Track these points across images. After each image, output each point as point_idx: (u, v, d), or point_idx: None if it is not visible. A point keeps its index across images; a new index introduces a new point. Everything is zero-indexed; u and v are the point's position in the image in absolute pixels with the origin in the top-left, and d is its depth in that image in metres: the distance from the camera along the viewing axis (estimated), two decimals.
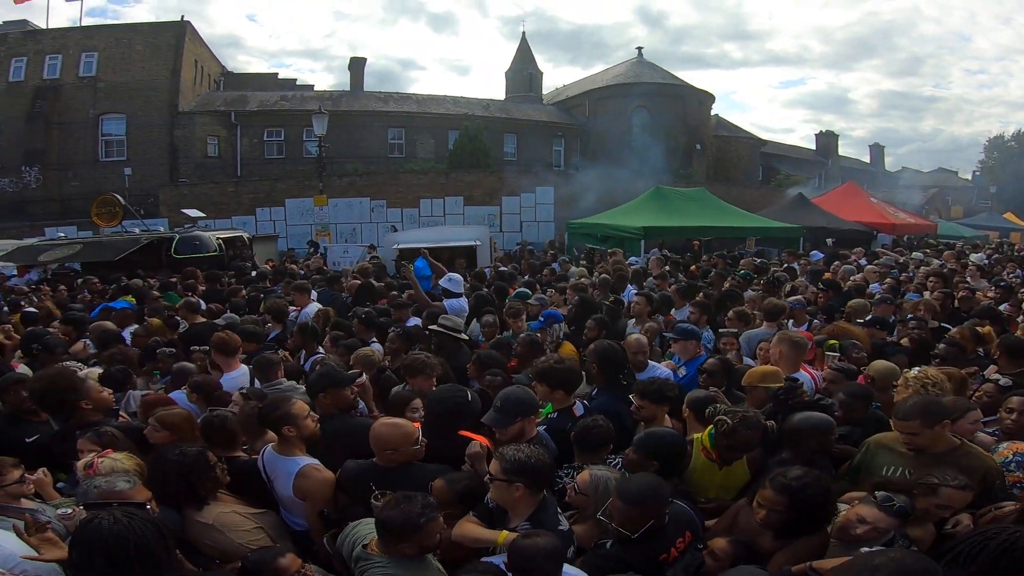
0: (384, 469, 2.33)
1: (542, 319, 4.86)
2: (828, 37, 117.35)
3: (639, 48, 30.97)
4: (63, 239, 11.78)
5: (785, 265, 9.26)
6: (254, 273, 9.33)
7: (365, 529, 2.03)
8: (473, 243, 10.79)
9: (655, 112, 26.33)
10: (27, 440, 2.80)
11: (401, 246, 10.60)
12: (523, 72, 31.41)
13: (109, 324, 5.05)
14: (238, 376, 3.72)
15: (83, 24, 24.34)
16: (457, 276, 6.04)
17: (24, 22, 24.47)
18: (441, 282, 5.93)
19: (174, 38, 23.04)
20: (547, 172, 21.34)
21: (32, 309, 6.14)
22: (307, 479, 2.35)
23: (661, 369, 3.81)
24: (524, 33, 32.96)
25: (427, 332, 4.48)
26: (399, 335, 4.43)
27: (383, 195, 18.32)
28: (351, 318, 5.10)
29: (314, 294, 6.40)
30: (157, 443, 2.57)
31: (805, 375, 3.50)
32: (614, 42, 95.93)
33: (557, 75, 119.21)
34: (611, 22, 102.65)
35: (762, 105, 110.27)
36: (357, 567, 1.95)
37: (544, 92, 32.84)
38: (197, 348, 4.19)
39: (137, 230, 11.85)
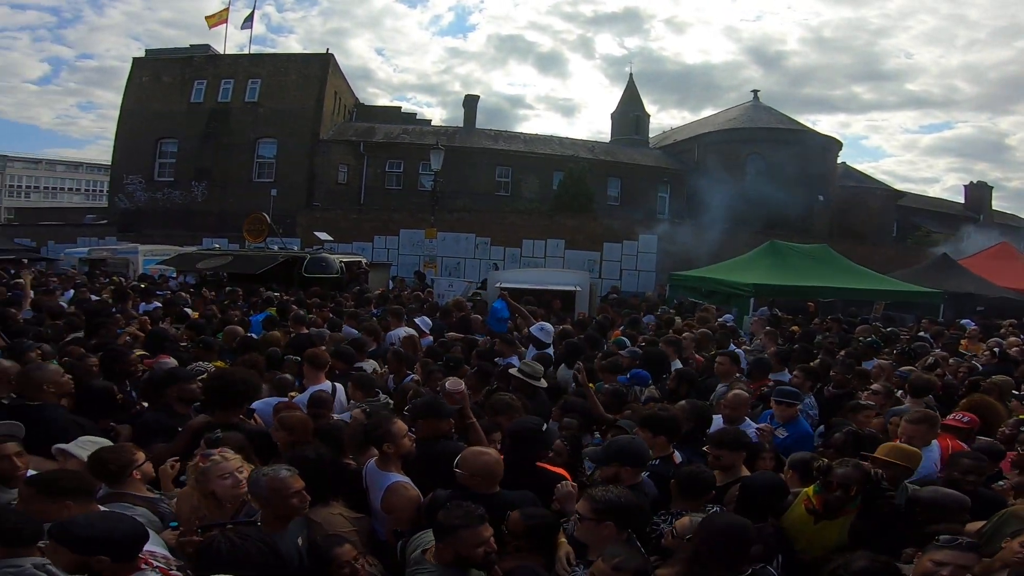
0: (471, 494, 2.39)
1: (626, 376, 4.72)
2: (979, 77, 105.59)
3: (754, 91, 29.88)
4: (217, 250, 13.55)
5: (920, 334, 8.28)
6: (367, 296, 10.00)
7: (428, 537, 2.17)
8: (573, 288, 10.77)
9: (771, 159, 25.01)
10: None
11: (502, 285, 10.90)
12: (629, 114, 31.28)
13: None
14: (321, 388, 4.03)
15: (251, 51, 27.47)
16: (548, 326, 6.00)
17: (207, 47, 27.66)
18: (531, 330, 5.93)
19: (320, 70, 25.23)
20: (651, 219, 21.05)
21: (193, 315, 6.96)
22: (395, 495, 2.54)
23: (752, 427, 3.76)
24: (631, 75, 32.99)
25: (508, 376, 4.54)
26: (495, 373, 4.64)
27: (488, 232, 19.00)
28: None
29: (427, 319, 6.81)
30: (279, 441, 2.92)
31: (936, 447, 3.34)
32: (725, 84, 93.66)
33: (665, 117, 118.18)
34: (721, 62, 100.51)
35: (899, 152, 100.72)
36: (409, 571, 2.13)
37: (651, 135, 32.51)
38: (291, 357, 4.63)
39: (276, 247, 13.38)
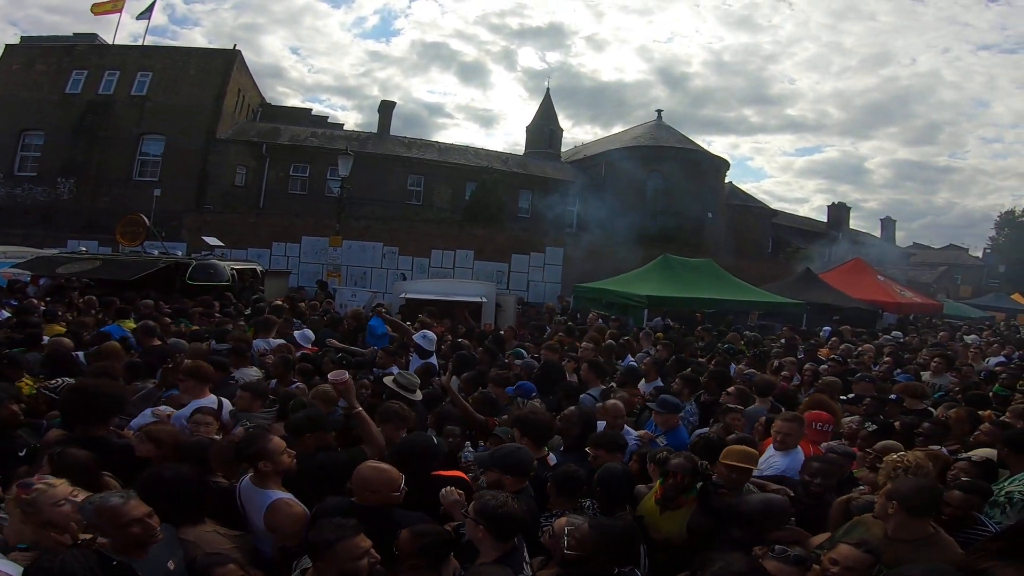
0: (360, 508, 2.40)
1: (511, 388, 4.88)
2: (847, 103, 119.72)
3: (658, 111, 31.77)
4: (84, 253, 12.10)
5: (783, 340, 9.34)
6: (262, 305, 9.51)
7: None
8: (479, 299, 10.96)
9: (670, 177, 26.64)
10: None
11: (408, 295, 10.83)
12: (544, 128, 32.00)
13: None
14: (204, 403, 3.84)
15: (145, 43, 25.30)
16: (430, 334, 6.09)
17: (94, 36, 25.35)
18: (415, 338, 6.02)
19: (224, 66, 23.68)
20: (559, 231, 21.74)
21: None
22: (277, 513, 2.45)
23: (633, 434, 4.14)
24: (548, 89, 33.77)
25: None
26: (371, 381, 4.77)
27: (397, 242, 18.61)
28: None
29: (308, 332, 6.72)
30: (142, 455, 2.75)
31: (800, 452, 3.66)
32: (635, 101, 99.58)
33: (578, 132, 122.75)
34: (633, 81, 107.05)
35: (777, 173, 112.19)
36: None
37: (564, 149, 33.52)
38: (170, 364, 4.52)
39: (156, 252, 12.26)
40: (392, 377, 4.32)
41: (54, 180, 21.84)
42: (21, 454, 2.88)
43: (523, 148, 32.89)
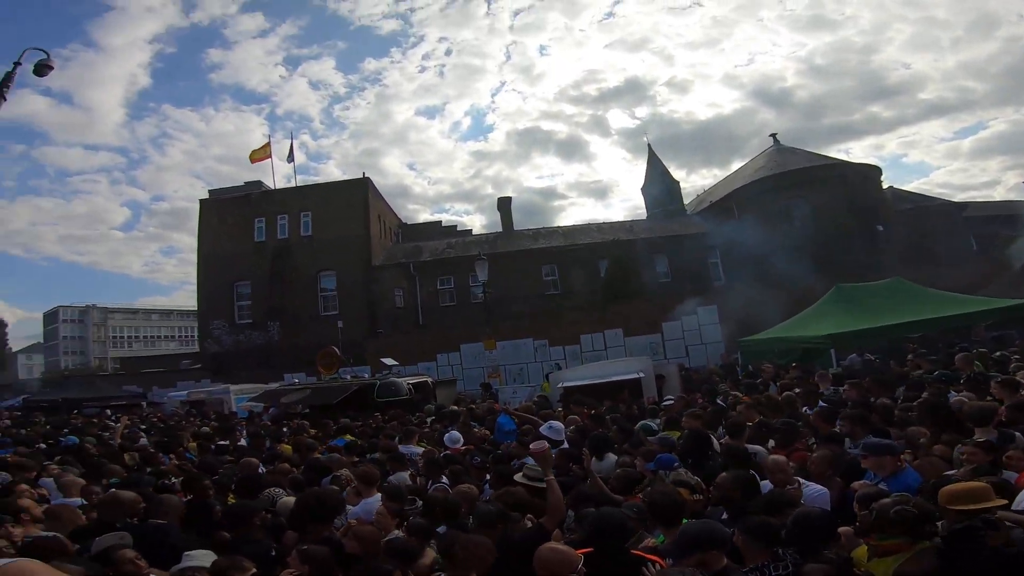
0: None
1: (651, 464, 4.62)
2: (982, 72, 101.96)
3: (772, 135, 29.60)
4: (297, 384, 14.75)
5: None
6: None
7: None
8: (636, 375, 10.96)
9: (814, 200, 24.00)
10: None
11: (566, 384, 11.23)
12: (659, 185, 31.24)
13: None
14: (372, 501, 4.43)
15: (297, 181, 29.78)
16: (557, 424, 6.22)
17: (260, 183, 29.21)
18: (541, 430, 6.12)
19: (361, 195, 26.52)
20: (706, 289, 20.87)
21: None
22: None
23: (813, 487, 3.72)
24: (648, 144, 33.38)
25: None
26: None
27: (545, 334, 19.17)
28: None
29: (455, 434, 7.20)
30: (350, 551, 3.21)
31: None
32: (743, 131, 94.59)
33: (697, 179, 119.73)
34: (732, 112, 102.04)
35: (945, 162, 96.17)
36: None
37: (687, 201, 32.32)
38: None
39: (348, 377, 14.40)
40: (520, 473, 4.46)
41: (265, 324, 26.26)
42: (272, 554, 3.43)
43: (644, 211, 32.41)
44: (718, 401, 7.94)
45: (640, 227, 28.81)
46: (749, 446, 4.79)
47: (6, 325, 60.53)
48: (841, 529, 2.88)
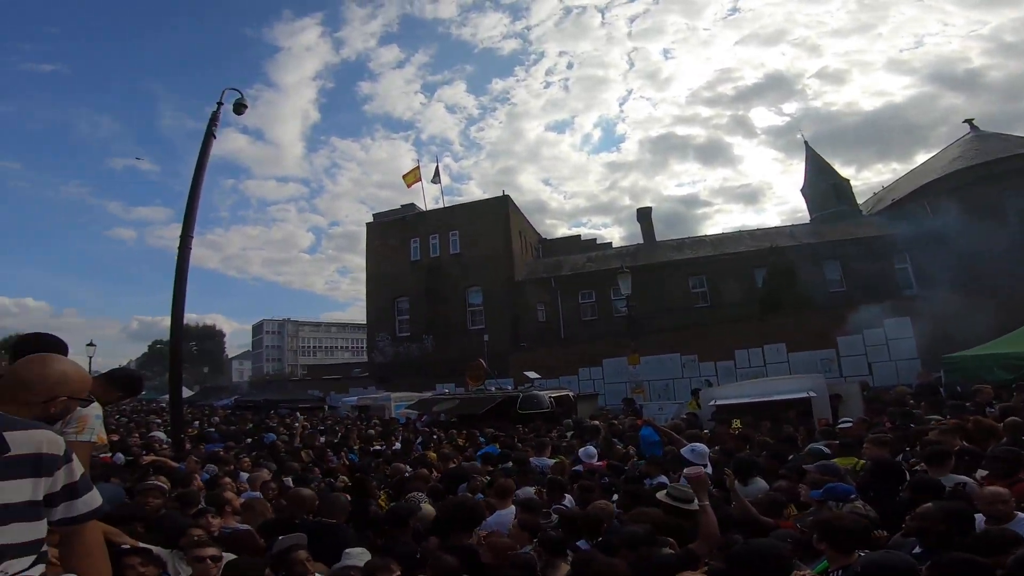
0: None
1: (819, 491, 3.95)
2: None
3: (968, 120, 25.02)
4: (447, 395, 15.74)
5: None
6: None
7: None
8: (805, 395, 9.57)
9: None
10: None
11: (720, 402, 10.20)
12: (824, 184, 27.89)
13: None
14: (507, 513, 4.36)
15: (444, 202, 31.48)
16: (700, 447, 5.65)
17: (413, 205, 31.36)
18: (683, 452, 5.61)
19: (502, 212, 27.61)
20: (893, 298, 17.83)
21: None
22: None
23: None
24: (805, 141, 30.14)
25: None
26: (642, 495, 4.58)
27: (693, 349, 18.03)
28: None
29: (591, 449, 6.91)
30: (485, 561, 3.23)
31: None
32: (924, 119, 79.15)
33: (870, 176, 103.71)
34: (906, 99, 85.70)
35: None
36: None
37: (860, 202, 28.68)
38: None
39: (493, 389, 14.93)
40: (665, 492, 4.13)
41: (420, 337, 28.75)
42: (416, 557, 3.58)
43: (805, 214, 29.42)
44: (911, 426, 6.65)
45: (802, 232, 26.00)
46: (955, 476, 4.00)
47: (224, 335, 74.85)
48: None
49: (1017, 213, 19.78)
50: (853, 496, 3.92)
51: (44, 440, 1.30)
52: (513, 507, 4.44)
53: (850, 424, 7.24)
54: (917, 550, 2.91)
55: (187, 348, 50.41)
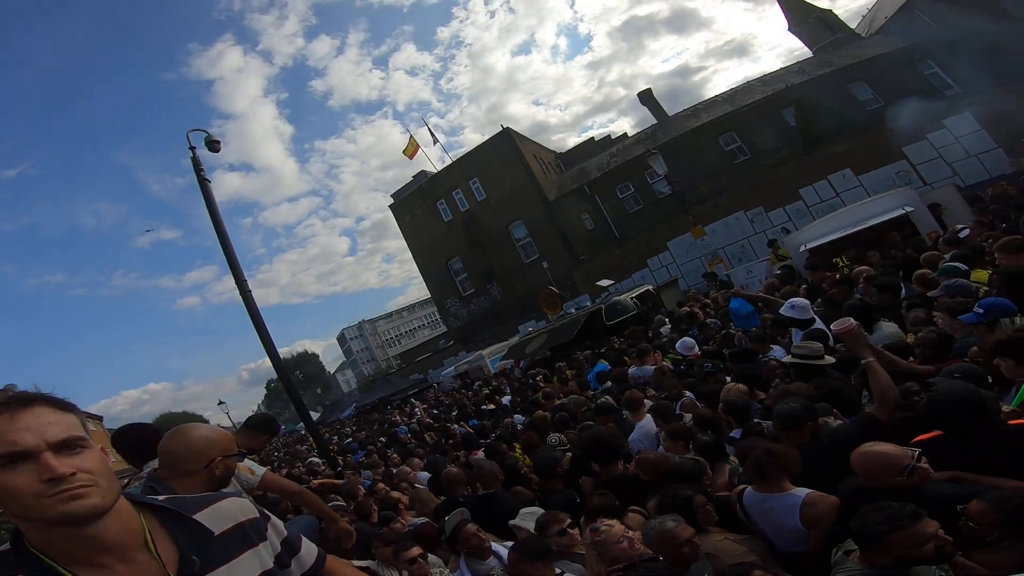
0: (873, 491, 2.16)
1: (980, 310, 3.30)
2: None
3: None
4: (532, 332, 15.76)
5: None
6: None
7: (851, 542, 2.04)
8: (900, 211, 8.79)
9: None
10: None
11: (811, 245, 9.59)
12: (808, 19, 26.15)
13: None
14: (646, 424, 4.36)
15: (451, 157, 30.99)
16: (801, 300, 5.10)
17: (423, 172, 31.68)
18: (783, 311, 5.14)
19: (510, 145, 27.04)
20: (941, 101, 16.27)
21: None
22: (817, 506, 2.42)
23: None
24: None
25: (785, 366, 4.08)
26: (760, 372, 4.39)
27: (756, 202, 16.82)
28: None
29: (688, 340, 6.73)
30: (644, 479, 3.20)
31: None
32: None
33: (846, 4, 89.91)
34: None
35: None
36: (833, 571, 2.01)
37: (854, 27, 26.44)
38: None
39: (574, 311, 14.85)
40: (789, 357, 3.92)
41: (485, 288, 29.05)
42: (577, 501, 3.53)
43: (806, 52, 27.14)
44: None
45: (812, 65, 23.97)
46: None
47: (317, 356, 79.89)
48: None
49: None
50: (1015, 311, 3.31)
51: (236, 509, 1.22)
52: (650, 416, 4.38)
53: (968, 231, 6.47)
54: None
55: (294, 378, 54.37)
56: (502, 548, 3.09)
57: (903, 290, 5.08)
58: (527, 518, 3.13)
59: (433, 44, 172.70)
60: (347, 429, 19.26)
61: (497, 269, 28.33)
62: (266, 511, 1.29)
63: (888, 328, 4.18)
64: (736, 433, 3.59)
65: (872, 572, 1.87)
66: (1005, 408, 2.53)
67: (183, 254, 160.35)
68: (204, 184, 8.18)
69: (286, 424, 29.53)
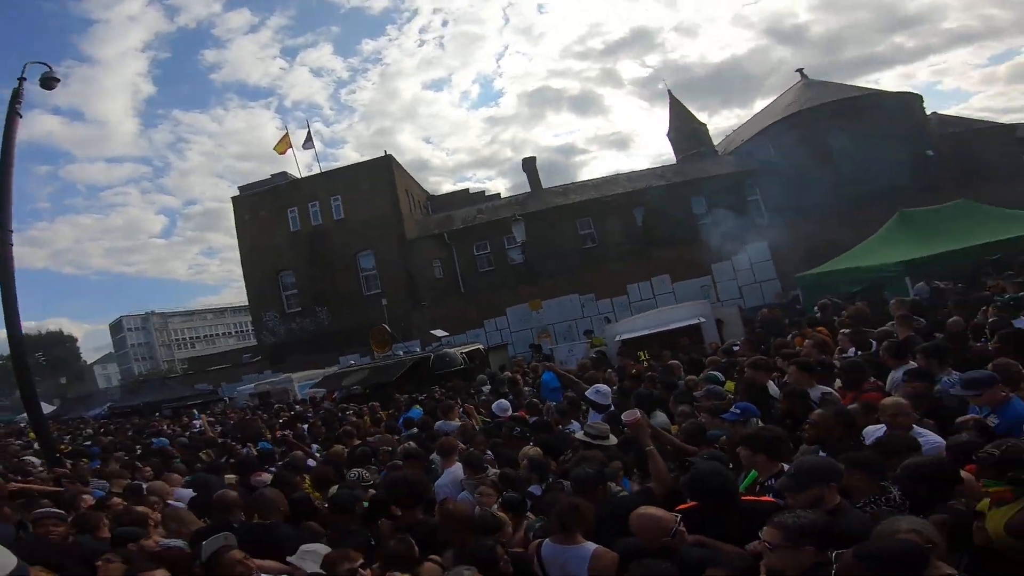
0: (644, 550, 2.49)
1: (737, 411, 4.19)
2: (1006, 2, 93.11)
3: (799, 70, 28.34)
4: (353, 366, 15.07)
5: None
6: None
7: None
8: (696, 320, 10.66)
9: (854, 131, 22.70)
10: None
11: (623, 337, 11.02)
12: (685, 128, 30.46)
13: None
14: (455, 471, 4.52)
15: (321, 168, 29.81)
16: (603, 387, 6.00)
17: (284, 174, 29.44)
18: (588, 394, 5.93)
19: (385, 172, 26.42)
20: (752, 228, 20.08)
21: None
22: (602, 560, 2.64)
23: (930, 437, 3.31)
24: (668, 91, 32.59)
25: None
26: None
27: (590, 288, 18.82)
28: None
29: (504, 403, 7.12)
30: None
31: None
32: (759, 70, 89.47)
33: (720, 121, 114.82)
34: (746, 52, 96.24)
35: (982, 87, 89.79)
36: None
37: (716, 143, 31.58)
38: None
39: (402, 352, 14.59)
40: (582, 432, 4.48)
41: (313, 310, 26.82)
42: (372, 543, 3.40)
43: (671, 157, 31.66)
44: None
45: (671, 171, 27.97)
46: (820, 387, 4.63)
47: (75, 340, 65.03)
48: (964, 475, 2.57)
49: (842, 149, 22.77)
50: (759, 414, 4.21)
51: None
52: (459, 464, 4.50)
53: (738, 346, 8.00)
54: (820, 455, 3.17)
55: (33, 360, 42.89)
56: None
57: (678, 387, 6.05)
58: (307, 556, 2.85)
59: (352, 53, 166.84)
60: (88, 430, 15.68)
61: (332, 294, 26.53)
62: None
63: (660, 417, 5.14)
64: (535, 489, 3.91)
65: None
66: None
67: None
68: (13, 119, 7.11)
69: (4, 412, 23.06)
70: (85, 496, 4.64)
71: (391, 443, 6.08)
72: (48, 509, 3.77)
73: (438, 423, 6.69)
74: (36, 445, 8.52)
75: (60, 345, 60.12)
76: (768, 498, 2.87)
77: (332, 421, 9.18)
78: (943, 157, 22.84)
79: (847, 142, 22.84)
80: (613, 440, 4.35)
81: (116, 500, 4.56)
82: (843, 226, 14.91)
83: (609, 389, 6.09)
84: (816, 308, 9.88)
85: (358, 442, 6.50)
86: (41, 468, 7.01)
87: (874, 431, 3.44)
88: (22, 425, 18.46)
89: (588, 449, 4.11)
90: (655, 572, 2.16)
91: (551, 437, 5.06)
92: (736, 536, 2.55)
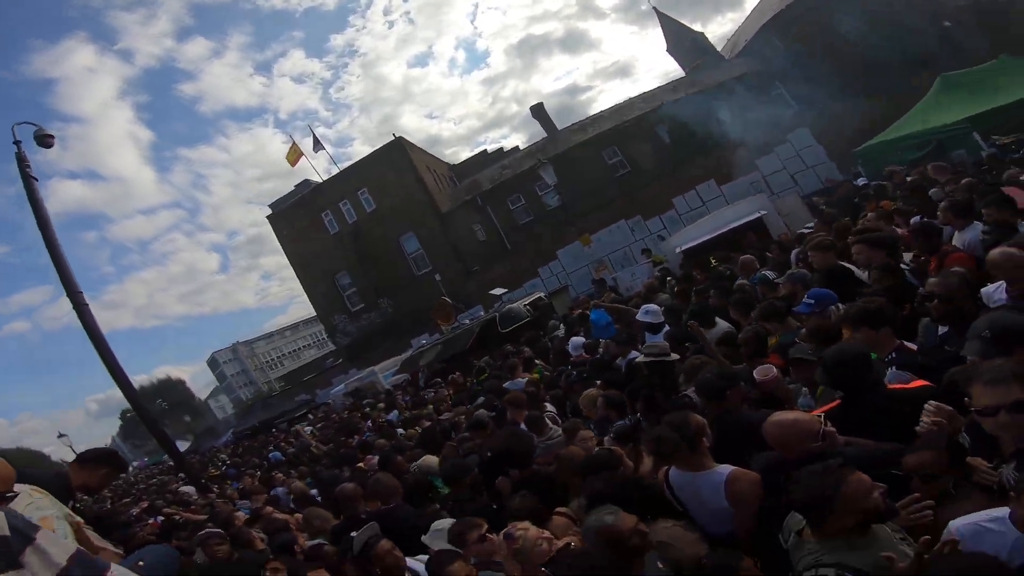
0: (789, 462, 2.11)
1: (811, 301, 3.71)
2: None
3: None
4: (425, 345, 15.49)
5: None
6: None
7: (795, 518, 1.90)
8: (757, 214, 10.11)
9: (869, 6, 20.62)
10: None
11: (685, 247, 10.62)
12: (684, 41, 29.39)
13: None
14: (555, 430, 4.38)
15: (339, 168, 29.44)
16: (652, 307, 5.72)
17: (307, 182, 30.11)
18: (638, 316, 5.70)
19: (401, 156, 26.56)
20: (784, 119, 18.76)
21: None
22: (739, 483, 2.37)
23: None
24: (655, 8, 31.07)
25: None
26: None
27: (633, 212, 18.30)
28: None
29: (577, 340, 7.11)
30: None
31: None
32: None
33: (716, 28, 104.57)
34: None
35: None
36: (792, 559, 1.84)
37: (719, 50, 29.68)
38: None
39: (467, 321, 14.86)
40: (639, 357, 4.22)
41: (375, 303, 27.79)
42: (494, 508, 3.32)
43: (679, 71, 30.54)
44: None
45: (684, 84, 26.57)
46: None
47: (184, 382, 71.36)
48: None
49: (858, 30, 20.79)
50: (836, 299, 3.79)
51: None
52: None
53: (811, 229, 7.58)
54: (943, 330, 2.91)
55: (155, 407, 47.73)
56: (417, 564, 2.84)
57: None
58: (438, 535, 2.88)
59: (324, 51, 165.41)
60: (222, 455, 17.38)
61: (388, 282, 27.26)
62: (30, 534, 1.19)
63: (723, 325, 4.86)
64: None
65: (828, 548, 1.71)
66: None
67: (9, 272, 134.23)
68: (30, 182, 7.20)
69: (150, 456, 25.89)
70: (237, 514, 5.11)
71: (466, 414, 6.17)
72: (210, 530, 4.13)
73: (507, 383, 6.64)
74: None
75: (173, 389, 66.27)
76: (920, 381, 2.42)
77: (420, 404, 9.52)
78: (964, 24, 20.44)
79: (863, 22, 20.80)
80: (675, 356, 4.10)
81: (268, 509, 5.05)
82: (880, 102, 14.08)
83: (658, 308, 5.78)
84: (886, 173, 9.29)
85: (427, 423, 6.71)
86: (196, 496, 7.80)
87: (992, 290, 3.01)
88: (171, 464, 20.46)
89: (653, 370, 3.92)
90: (821, 479, 1.70)
91: (614, 373, 4.92)
92: (884, 434, 2.17)
